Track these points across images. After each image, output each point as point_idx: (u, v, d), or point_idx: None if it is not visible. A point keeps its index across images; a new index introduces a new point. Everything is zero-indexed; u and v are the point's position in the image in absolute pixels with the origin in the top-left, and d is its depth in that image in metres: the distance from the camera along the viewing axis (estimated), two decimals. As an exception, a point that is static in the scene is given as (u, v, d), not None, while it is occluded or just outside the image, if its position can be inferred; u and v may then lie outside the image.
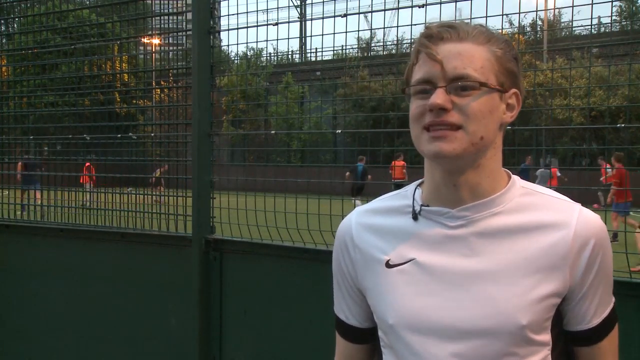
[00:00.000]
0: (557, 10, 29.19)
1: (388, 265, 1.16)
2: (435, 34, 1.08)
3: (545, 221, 1.10)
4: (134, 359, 3.41)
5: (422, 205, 1.16)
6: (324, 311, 1.37)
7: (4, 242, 3.91)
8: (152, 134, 4.10)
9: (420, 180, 1.23)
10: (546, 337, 1.09)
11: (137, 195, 3.54)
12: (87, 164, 4.65)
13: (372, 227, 1.22)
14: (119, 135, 3.75)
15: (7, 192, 4.13)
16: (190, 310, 3.10)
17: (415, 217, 1.16)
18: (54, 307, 3.68)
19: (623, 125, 3.24)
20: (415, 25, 2.54)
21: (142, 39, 4.54)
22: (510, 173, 1.18)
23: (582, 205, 1.15)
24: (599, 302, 1.12)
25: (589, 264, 1.09)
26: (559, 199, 1.15)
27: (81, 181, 4.53)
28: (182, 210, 3.26)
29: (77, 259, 3.62)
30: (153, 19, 4.56)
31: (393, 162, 13.20)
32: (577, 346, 1.16)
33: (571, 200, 1.15)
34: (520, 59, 1.15)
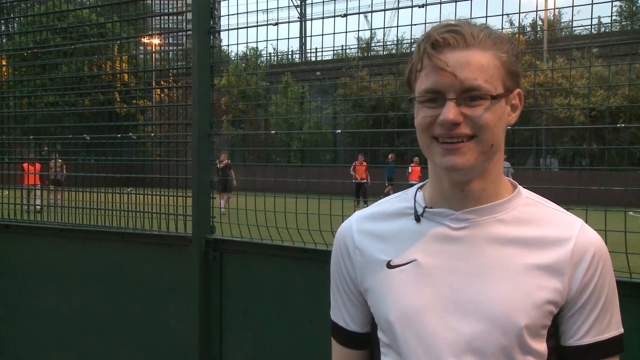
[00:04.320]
0: (557, 10, 29.24)
1: (389, 266, 1.17)
2: (441, 41, 1.05)
3: (547, 237, 1.11)
4: (134, 359, 3.41)
5: (425, 207, 1.17)
6: (323, 311, 1.37)
7: (4, 242, 3.91)
8: (152, 134, 4.09)
9: (421, 184, 1.23)
10: (542, 345, 1.10)
11: (137, 195, 3.54)
12: (25, 164, 4.59)
13: (373, 233, 1.22)
14: (119, 135, 3.75)
15: (7, 192, 4.12)
16: (190, 310, 3.10)
17: (417, 218, 1.17)
18: (53, 307, 3.67)
19: (623, 125, 3.24)
20: (415, 25, 2.54)
21: (142, 39, 4.54)
22: (516, 183, 1.19)
23: (583, 208, 1.14)
24: (595, 321, 1.11)
25: (586, 278, 1.09)
26: (561, 213, 1.15)
27: (33, 182, 4.46)
28: (182, 210, 3.26)
29: (77, 259, 3.62)
30: (153, 19, 4.56)
31: (355, 163, 14.04)
32: None
33: (574, 215, 1.15)
34: (520, 56, 1.15)
